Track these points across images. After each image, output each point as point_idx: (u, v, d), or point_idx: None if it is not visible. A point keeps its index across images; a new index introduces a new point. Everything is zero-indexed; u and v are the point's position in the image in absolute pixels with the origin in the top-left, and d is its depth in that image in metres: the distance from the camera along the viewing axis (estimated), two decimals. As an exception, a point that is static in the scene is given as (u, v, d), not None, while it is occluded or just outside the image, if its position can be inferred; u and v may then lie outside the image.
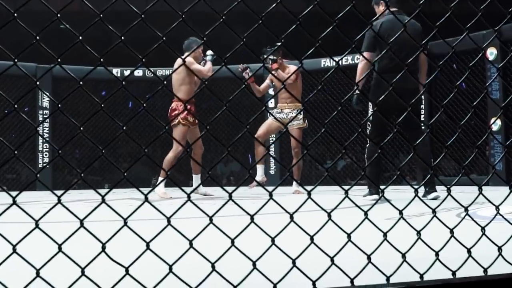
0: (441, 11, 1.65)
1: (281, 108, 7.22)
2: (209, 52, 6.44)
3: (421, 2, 1.57)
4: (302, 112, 6.90)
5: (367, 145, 5.23)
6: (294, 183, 6.93)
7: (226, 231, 1.32)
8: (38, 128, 1.27)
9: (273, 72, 6.81)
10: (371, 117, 5.09)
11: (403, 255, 1.48)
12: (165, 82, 1.30)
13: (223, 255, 1.31)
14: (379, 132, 5.00)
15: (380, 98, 1.69)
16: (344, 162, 9.68)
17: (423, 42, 2.08)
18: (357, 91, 5.05)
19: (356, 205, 1.49)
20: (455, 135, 1.66)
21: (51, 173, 9.13)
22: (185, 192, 1.32)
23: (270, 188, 1.40)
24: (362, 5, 1.59)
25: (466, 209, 1.65)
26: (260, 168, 7.41)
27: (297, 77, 6.94)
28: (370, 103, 5.06)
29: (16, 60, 1.21)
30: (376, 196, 4.98)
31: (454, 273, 1.51)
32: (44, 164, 8.89)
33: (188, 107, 6.41)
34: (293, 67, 7.14)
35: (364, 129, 5.38)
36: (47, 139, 9.01)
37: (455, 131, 1.64)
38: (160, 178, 6.37)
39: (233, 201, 1.33)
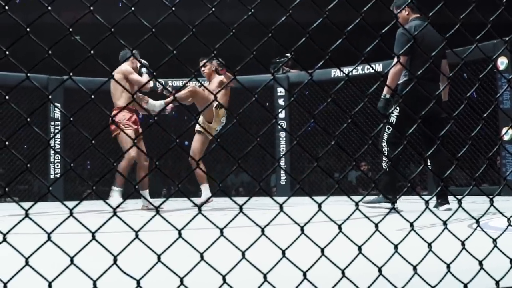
0: (451, 21, 1.66)
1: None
2: (144, 63, 6.30)
3: (431, 14, 1.57)
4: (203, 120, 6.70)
5: (383, 145, 5.07)
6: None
7: (236, 243, 1.32)
8: (50, 141, 1.28)
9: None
10: (394, 121, 4.97)
11: (414, 268, 1.48)
12: (175, 95, 1.30)
13: (234, 267, 1.31)
14: (397, 136, 4.95)
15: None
16: (356, 173, 9.66)
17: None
18: (387, 96, 4.99)
19: (367, 217, 1.49)
20: (466, 146, 1.65)
21: (63, 184, 9.16)
22: (195, 204, 1.33)
23: (280, 199, 1.40)
24: (372, 15, 1.60)
25: (477, 221, 1.64)
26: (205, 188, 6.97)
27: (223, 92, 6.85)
28: (396, 107, 4.94)
29: (28, 74, 1.22)
30: (385, 205, 4.83)
31: (466, 285, 1.50)
32: (56, 175, 8.92)
33: (130, 115, 6.18)
34: (219, 78, 6.92)
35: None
36: (59, 150, 9.05)
37: (466, 141, 1.64)
38: (116, 188, 6.14)
39: (243, 213, 1.33)
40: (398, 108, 4.91)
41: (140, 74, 6.35)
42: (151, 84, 6.28)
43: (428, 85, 5.15)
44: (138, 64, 6.30)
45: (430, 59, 1.65)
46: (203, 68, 6.92)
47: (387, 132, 4.96)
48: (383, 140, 4.97)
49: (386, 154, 4.98)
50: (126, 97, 6.17)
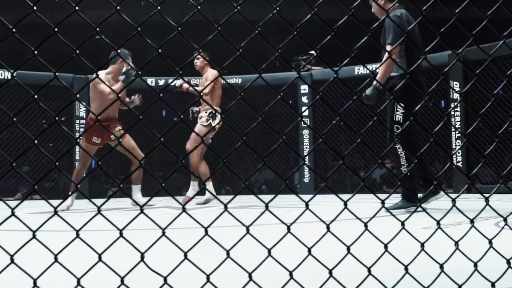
0: (476, 17, 1.64)
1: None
2: (125, 70, 6.12)
3: (457, 10, 1.56)
4: (210, 115, 6.80)
5: (397, 147, 4.76)
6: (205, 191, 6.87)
7: (262, 241, 1.33)
8: (78, 140, 1.30)
9: (189, 89, 6.88)
10: (401, 119, 4.69)
11: (441, 266, 1.47)
12: (201, 94, 1.31)
13: (260, 265, 1.32)
14: (408, 134, 4.73)
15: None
16: (381, 171, 9.60)
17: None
18: (378, 85, 4.63)
19: (393, 215, 1.48)
20: (493, 144, 1.64)
21: (88, 182, 9.25)
22: (222, 202, 1.33)
23: (304, 197, 1.40)
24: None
25: (505, 220, 1.62)
26: (209, 186, 7.01)
27: (214, 86, 6.91)
28: (399, 104, 4.59)
29: (56, 74, 1.24)
30: (410, 210, 4.56)
31: (493, 284, 1.49)
32: (84, 174, 9.01)
33: (90, 123, 6.34)
34: (212, 72, 6.96)
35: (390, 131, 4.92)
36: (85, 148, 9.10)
37: (492, 138, 1.63)
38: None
39: (269, 211, 1.33)
40: (402, 104, 4.46)
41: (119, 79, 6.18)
42: (112, 95, 6.03)
43: (423, 78, 5.01)
44: (124, 68, 6.13)
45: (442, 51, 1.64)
46: (195, 61, 6.85)
47: (396, 132, 4.67)
48: (395, 141, 4.69)
49: (403, 157, 4.72)
50: (94, 107, 6.16)
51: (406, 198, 4.70)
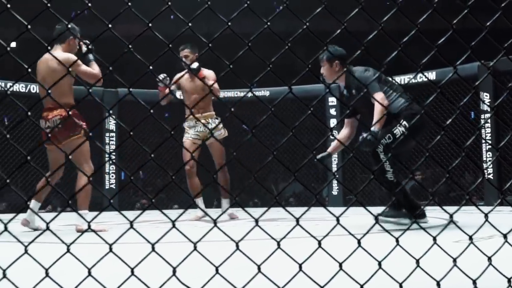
0: (505, 27, 1.63)
1: (195, 120, 6.00)
2: (86, 49, 4.65)
3: (488, 23, 1.55)
4: (220, 124, 6.07)
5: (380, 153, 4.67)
6: (226, 203, 6.26)
7: (292, 255, 1.33)
8: (109, 153, 1.32)
9: (205, 80, 5.87)
10: (398, 133, 4.67)
11: (474, 282, 1.45)
12: (231, 108, 1.33)
13: (291, 280, 1.32)
14: (394, 148, 4.75)
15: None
16: (410, 183, 9.52)
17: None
18: (377, 132, 4.56)
19: (424, 229, 1.47)
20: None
21: (117, 195, 9.34)
22: (253, 217, 1.34)
23: (333, 210, 1.40)
24: (423, 24, 1.58)
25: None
26: (200, 202, 6.20)
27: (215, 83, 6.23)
28: (405, 123, 4.65)
29: (90, 90, 1.27)
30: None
31: (527, 299, 1.47)
32: (111, 186, 9.09)
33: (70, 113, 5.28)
34: (209, 71, 5.83)
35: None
36: (114, 161, 9.20)
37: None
38: (85, 211, 5.05)
39: (300, 226, 1.33)
40: (406, 125, 4.51)
41: (87, 61, 4.71)
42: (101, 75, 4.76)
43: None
44: (76, 44, 4.71)
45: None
46: (187, 56, 5.69)
47: (386, 140, 4.49)
48: (380, 146, 4.60)
49: (386, 163, 4.60)
50: (73, 93, 4.74)
51: (394, 207, 4.58)
